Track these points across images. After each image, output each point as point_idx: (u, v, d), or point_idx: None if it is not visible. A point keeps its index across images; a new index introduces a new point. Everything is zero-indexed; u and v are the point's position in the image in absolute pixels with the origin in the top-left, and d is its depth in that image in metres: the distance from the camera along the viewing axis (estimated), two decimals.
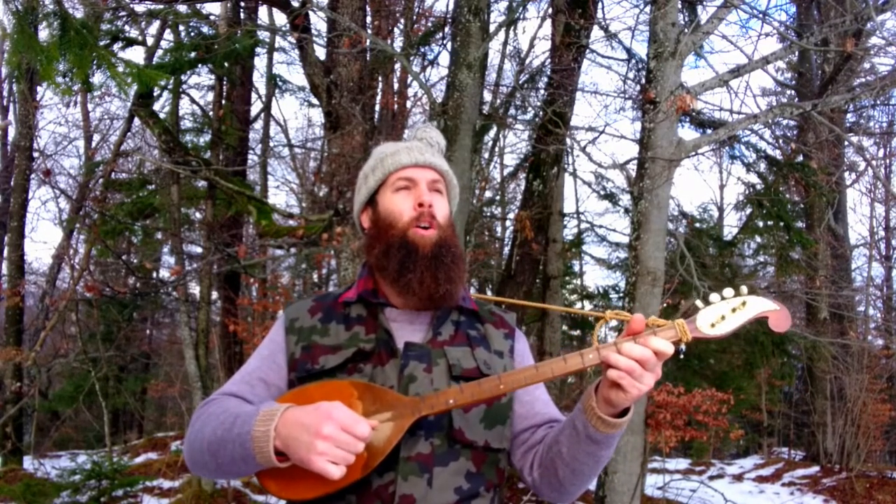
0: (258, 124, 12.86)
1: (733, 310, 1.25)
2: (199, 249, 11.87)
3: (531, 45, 11.32)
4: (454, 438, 1.30)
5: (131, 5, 7.09)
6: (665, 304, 6.43)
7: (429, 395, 1.26)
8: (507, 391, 1.26)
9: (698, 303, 1.28)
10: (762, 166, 8.77)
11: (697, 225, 11.30)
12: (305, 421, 1.15)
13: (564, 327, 12.99)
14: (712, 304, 1.26)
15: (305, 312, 1.43)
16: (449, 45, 6.62)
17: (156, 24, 8.75)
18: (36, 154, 11.48)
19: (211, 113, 10.08)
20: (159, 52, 8.73)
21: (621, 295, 9.50)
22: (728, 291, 1.26)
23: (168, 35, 9.17)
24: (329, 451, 1.13)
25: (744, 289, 1.26)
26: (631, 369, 1.17)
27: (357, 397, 1.25)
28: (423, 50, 8.95)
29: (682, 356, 1.24)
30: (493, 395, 1.26)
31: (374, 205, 1.48)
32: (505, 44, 10.40)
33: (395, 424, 1.23)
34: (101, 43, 6.35)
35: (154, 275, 14.79)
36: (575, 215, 12.71)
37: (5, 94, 12.53)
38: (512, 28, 9.66)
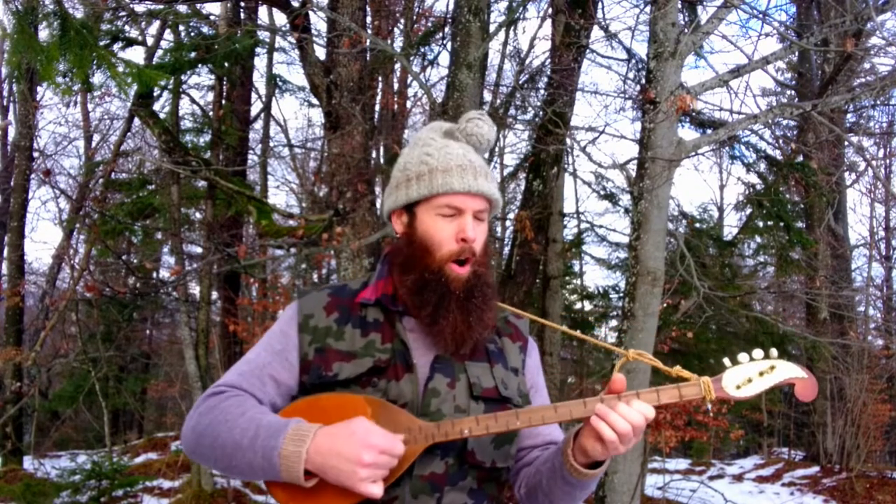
0: (258, 124, 12.86)
1: (761, 373, 1.25)
2: (199, 249, 11.87)
3: (531, 45, 11.30)
4: (465, 459, 1.30)
5: (131, 5, 7.08)
6: (665, 304, 6.43)
7: (444, 422, 1.25)
8: (521, 427, 1.26)
9: (726, 361, 1.27)
10: (762, 166, 8.76)
11: (697, 225, 11.28)
12: (344, 450, 1.16)
13: (565, 327, 12.97)
14: (740, 365, 1.26)
15: (321, 310, 1.39)
16: (449, 45, 6.62)
17: (156, 24, 8.75)
18: (36, 154, 11.48)
19: (211, 113, 10.08)
20: (159, 52, 8.73)
21: (621, 295, 9.50)
22: (757, 353, 1.26)
23: (168, 35, 9.17)
24: (371, 476, 1.17)
25: (773, 352, 1.27)
26: (625, 433, 1.18)
27: (370, 415, 1.24)
28: (423, 50, 8.94)
29: (708, 413, 1.27)
30: (508, 430, 1.26)
31: (412, 216, 1.40)
32: (505, 44, 10.39)
33: (407, 449, 1.23)
34: (101, 43, 6.34)
35: (154, 275, 14.81)
36: (575, 215, 12.69)
37: (5, 94, 12.54)
38: (512, 28, 9.65)
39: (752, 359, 1.26)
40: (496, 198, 1.42)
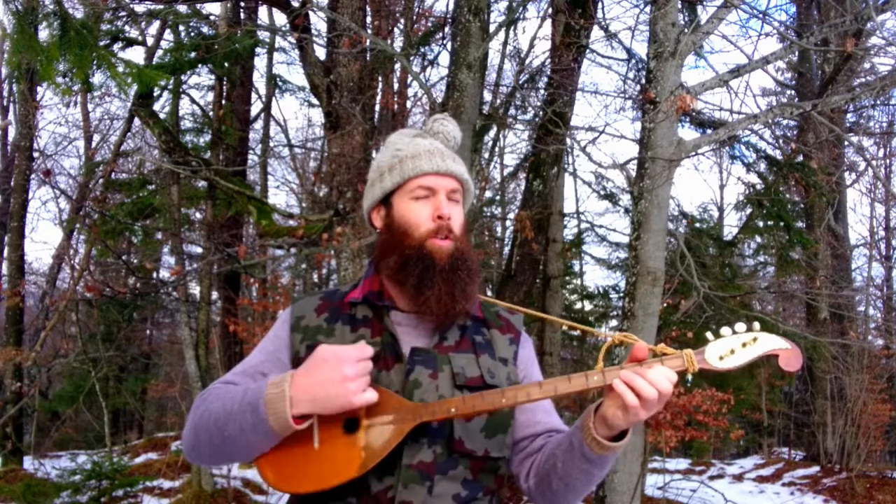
0: (258, 124, 12.86)
1: (744, 345, 1.25)
2: (199, 249, 11.86)
3: (531, 45, 11.30)
4: (453, 448, 1.30)
5: (131, 5, 7.09)
6: (665, 304, 6.42)
7: (431, 402, 1.27)
8: (508, 405, 1.27)
9: (709, 335, 1.28)
10: (762, 166, 8.77)
11: (697, 225, 11.30)
12: (326, 377, 1.20)
13: (564, 327, 12.99)
14: (723, 338, 1.27)
15: (312, 311, 1.43)
16: (449, 45, 6.63)
17: (156, 24, 8.74)
18: (36, 154, 11.48)
19: (211, 113, 10.07)
20: (159, 52, 8.72)
21: (621, 295, 9.49)
22: (740, 326, 1.27)
23: (168, 35, 9.17)
24: (360, 385, 1.21)
25: (756, 325, 1.27)
26: (651, 399, 1.19)
27: None
28: (423, 50, 8.94)
29: (688, 384, 1.27)
30: (494, 408, 1.27)
31: (388, 206, 1.44)
32: (505, 44, 10.38)
33: (395, 428, 1.24)
34: (101, 43, 6.35)
35: (154, 275, 14.79)
36: (575, 215, 12.71)
37: (5, 94, 12.53)
38: (512, 28, 9.65)
39: (734, 332, 1.26)
40: (466, 178, 1.46)
